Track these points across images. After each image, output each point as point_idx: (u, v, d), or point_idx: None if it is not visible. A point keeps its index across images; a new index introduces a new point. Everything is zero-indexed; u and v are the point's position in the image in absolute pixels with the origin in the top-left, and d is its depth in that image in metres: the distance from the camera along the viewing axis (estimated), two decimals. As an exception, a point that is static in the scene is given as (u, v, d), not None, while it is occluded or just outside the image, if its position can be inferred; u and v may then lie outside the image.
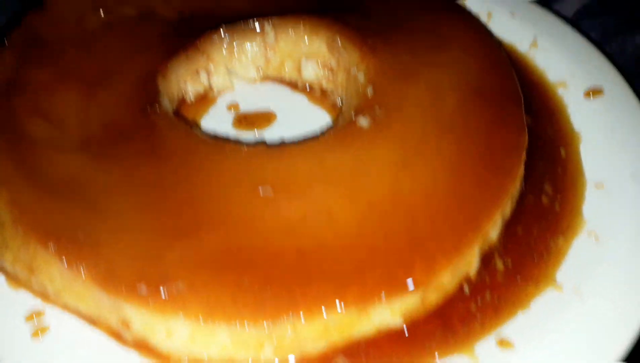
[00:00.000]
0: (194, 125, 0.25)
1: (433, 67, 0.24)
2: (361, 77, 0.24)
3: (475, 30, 0.26)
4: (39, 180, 0.19)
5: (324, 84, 0.27)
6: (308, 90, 0.28)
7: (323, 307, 0.18)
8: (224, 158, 0.21)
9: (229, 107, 0.27)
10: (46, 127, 0.21)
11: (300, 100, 0.28)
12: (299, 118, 0.27)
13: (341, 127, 0.22)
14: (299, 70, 0.27)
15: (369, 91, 0.23)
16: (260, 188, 0.20)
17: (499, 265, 0.21)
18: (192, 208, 0.20)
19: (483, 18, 0.30)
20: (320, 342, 0.18)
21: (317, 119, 0.27)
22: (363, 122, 0.22)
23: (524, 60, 0.29)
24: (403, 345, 0.19)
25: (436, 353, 0.19)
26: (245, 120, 0.27)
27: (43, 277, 0.19)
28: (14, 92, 0.22)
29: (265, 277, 0.18)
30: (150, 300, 0.17)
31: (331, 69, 0.26)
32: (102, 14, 0.26)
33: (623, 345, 0.19)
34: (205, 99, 0.27)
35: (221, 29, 0.26)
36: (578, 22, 0.35)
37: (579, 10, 0.36)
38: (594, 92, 0.26)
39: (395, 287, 0.18)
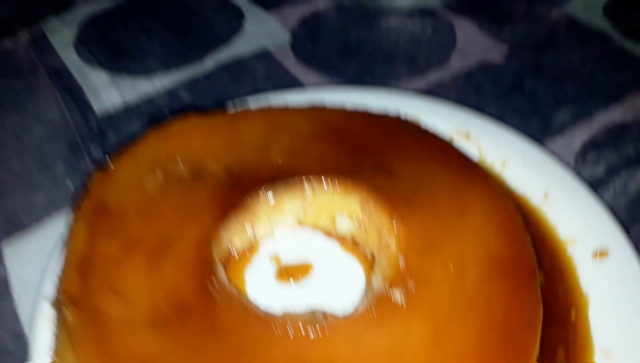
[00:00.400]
0: (244, 294, 0.27)
1: (457, 235, 0.26)
2: (392, 244, 0.26)
3: (494, 195, 0.28)
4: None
5: (356, 237, 0.30)
6: (342, 238, 0.31)
7: None
8: (274, 339, 0.23)
9: (271, 258, 0.30)
10: (118, 303, 0.23)
11: (333, 248, 0.30)
12: (334, 268, 0.30)
13: (378, 301, 0.24)
14: (333, 222, 0.30)
15: (401, 262, 0.25)
16: None
17: None
18: None
19: (498, 165, 0.34)
20: None
21: (350, 268, 0.29)
22: (398, 297, 0.24)
23: (536, 213, 0.31)
24: None
25: None
26: (285, 272, 0.29)
27: None
28: (88, 267, 0.25)
29: None
30: None
31: (363, 225, 0.29)
32: (158, 176, 0.29)
33: None
34: (249, 248, 0.30)
35: (266, 189, 0.29)
36: (585, 154, 0.39)
37: (585, 143, 0.40)
38: (600, 253, 0.29)
39: None
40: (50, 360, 0.25)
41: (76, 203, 0.27)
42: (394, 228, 0.26)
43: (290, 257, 0.30)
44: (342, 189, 0.29)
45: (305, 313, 0.26)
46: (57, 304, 0.24)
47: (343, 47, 0.48)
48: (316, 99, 0.35)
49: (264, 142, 0.32)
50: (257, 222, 0.30)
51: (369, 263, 0.29)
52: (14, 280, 0.31)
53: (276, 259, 0.30)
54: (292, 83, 0.44)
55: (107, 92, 0.43)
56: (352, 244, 0.30)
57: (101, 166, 0.30)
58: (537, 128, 0.40)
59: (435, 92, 0.43)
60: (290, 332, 0.24)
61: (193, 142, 0.31)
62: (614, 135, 0.40)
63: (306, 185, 0.29)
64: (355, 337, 0.24)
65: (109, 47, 0.47)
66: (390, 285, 0.25)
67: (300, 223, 0.31)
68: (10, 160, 0.38)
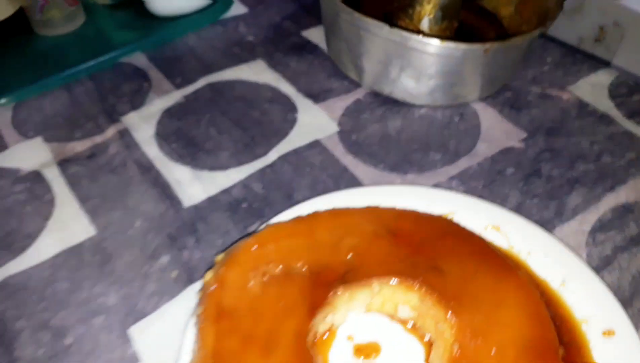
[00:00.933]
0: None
1: (496, 325, 0.34)
2: (446, 332, 0.34)
3: (524, 287, 0.36)
4: None
5: (416, 322, 0.38)
6: (403, 322, 0.39)
7: None
8: None
9: (347, 338, 0.38)
10: (245, 387, 0.31)
11: (397, 330, 0.39)
12: (399, 347, 0.38)
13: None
14: (396, 310, 0.38)
15: (455, 347, 0.33)
16: None
17: None
18: None
19: (524, 254, 0.42)
20: None
21: (412, 348, 0.38)
22: (456, 380, 0.32)
23: (556, 296, 0.39)
24: None
25: None
26: (360, 350, 0.38)
27: None
28: (219, 359, 0.32)
29: None
30: None
31: (421, 314, 0.37)
32: (259, 277, 0.36)
33: None
34: (330, 332, 0.38)
35: (343, 286, 0.37)
36: (595, 235, 0.46)
37: (594, 225, 0.47)
38: (608, 332, 0.36)
39: None
40: None
41: (200, 304, 0.36)
42: (448, 320, 0.34)
43: (362, 337, 0.38)
44: (403, 287, 0.37)
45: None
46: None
47: (382, 136, 0.56)
48: (371, 197, 0.44)
49: (334, 241, 0.40)
50: (336, 312, 0.38)
51: (428, 345, 0.37)
52: (143, 360, 0.39)
53: (351, 339, 0.38)
54: (344, 172, 0.52)
55: (191, 186, 0.51)
56: (412, 327, 0.38)
57: (210, 268, 0.39)
58: (554, 211, 0.48)
59: (466, 178, 0.51)
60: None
61: (280, 246, 0.39)
62: (619, 216, 0.47)
63: (375, 283, 0.37)
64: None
65: (186, 142, 0.56)
66: (449, 368, 0.33)
67: (369, 310, 0.38)
68: (122, 251, 0.46)
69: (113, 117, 0.61)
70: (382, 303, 0.38)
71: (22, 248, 0.48)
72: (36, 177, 0.54)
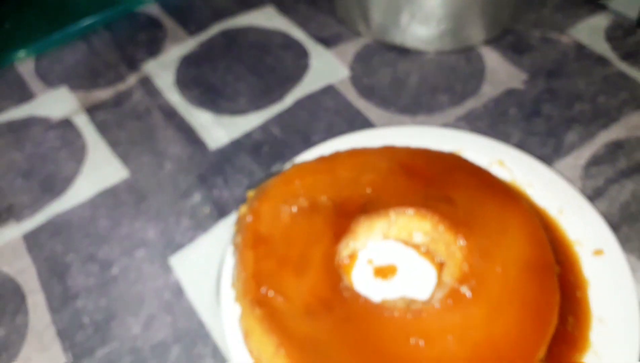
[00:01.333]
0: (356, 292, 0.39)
1: (500, 246, 0.39)
2: (457, 254, 0.39)
3: (524, 213, 0.40)
4: (295, 339, 0.34)
5: (429, 247, 0.42)
6: (417, 246, 0.43)
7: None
8: (385, 319, 0.36)
9: (368, 262, 0.43)
10: (283, 301, 0.36)
11: (411, 254, 0.43)
12: (413, 268, 0.43)
13: (450, 293, 0.37)
14: (410, 236, 0.43)
15: (465, 266, 0.38)
16: (411, 339, 0.35)
17: (546, 371, 0.36)
18: (374, 352, 0.35)
19: (526, 186, 0.46)
20: None
21: (425, 269, 0.42)
22: (466, 292, 0.36)
23: (553, 221, 0.44)
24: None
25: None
26: (379, 272, 0.42)
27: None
28: (259, 279, 0.37)
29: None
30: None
31: (434, 239, 0.41)
32: (289, 209, 0.41)
33: None
34: (352, 257, 0.43)
35: (362, 217, 0.41)
36: (589, 167, 0.50)
37: (589, 160, 0.51)
38: (597, 252, 0.41)
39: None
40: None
41: (237, 234, 0.40)
42: (458, 243, 0.39)
43: (381, 261, 0.43)
44: (417, 216, 0.41)
45: (397, 300, 0.39)
46: (246, 303, 0.36)
47: (392, 80, 0.59)
48: (385, 138, 0.48)
49: (353, 177, 0.44)
50: (357, 239, 0.42)
51: (439, 266, 0.41)
52: (185, 286, 0.44)
53: (371, 263, 0.42)
54: (357, 115, 0.55)
55: (215, 130, 0.55)
56: (425, 251, 0.43)
57: (243, 203, 0.43)
58: (552, 148, 0.52)
59: (471, 118, 0.55)
60: (395, 313, 0.36)
61: (306, 182, 0.43)
62: (611, 151, 0.51)
63: (392, 214, 0.41)
64: (437, 316, 0.37)
65: (206, 88, 0.59)
66: (459, 283, 0.38)
67: (386, 237, 0.43)
68: (155, 191, 0.50)
69: (133, 65, 0.63)
70: (399, 230, 0.43)
71: (62, 190, 0.52)
72: (67, 125, 0.58)
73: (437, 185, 0.43)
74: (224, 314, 0.40)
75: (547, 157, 0.52)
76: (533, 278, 0.38)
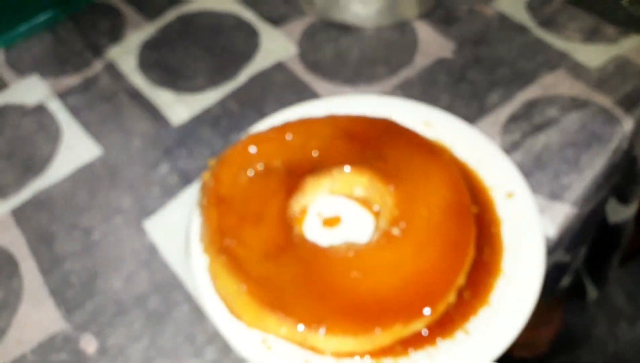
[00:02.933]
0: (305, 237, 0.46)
1: (425, 193, 0.46)
2: (389, 202, 0.46)
3: (446, 166, 0.48)
4: (254, 279, 0.41)
5: (367, 198, 0.49)
6: (358, 199, 0.50)
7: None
8: (332, 259, 0.43)
9: (317, 214, 0.50)
10: (244, 249, 0.43)
11: (353, 206, 0.50)
12: (355, 218, 0.50)
13: (384, 235, 0.44)
14: (352, 190, 0.50)
15: (395, 212, 0.45)
16: (352, 273, 0.42)
17: (466, 295, 0.43)
18: (321, 285, 0.41)
19: (448, 142, 0.53)
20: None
21: (365, 217, 0.49)
22: (395, 232, 0.44)
23: (472, 171, 0.51)
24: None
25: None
26: (326, 222, 0.50)
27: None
28: (222, 232, 0.43)
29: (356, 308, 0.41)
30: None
31: (370, 191, 0.48)
32: (247, 173, 0.47)
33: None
34: (303, 211, 0.49)
35: (311, 175, 0.47)
36: (508, 124, 0.57)
37: (508, 117, 0.58)
38: (509, 194, 0.48)
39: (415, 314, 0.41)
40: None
41: (202, 196, 0.46)
42: (390, 192, 0.46)
43: (327, 213, 0.50)
44: (356, 173, 0.48)
45: (342, 244, 0.46)
46: (212, 252, 0.43)
47: (336, 55, 0.65)
48: (329, 107, 0.54)
49: (302, 142, 0.51)
50: (306, 195, 0.48)
51: (376, 214, 0.49)
52: (158, 245, 0.50)
53: (319, 215, 0.49)
54: (305, 88, 0.62)
55: (177, 108, 0.60)
56: (364, 202, 0.49)
57: (206, 170, 0.49)
58: (476, 108, 0.59)
59: (406, 86, 0.62)
60: (339, 255, 0.43)
61: (260, 149, 0.49)
62: (527, 109, 0.59)
63: (335, 172, 0.48)
64: (373, 254, 0.44)
65: (166, 70, 0.64)
66: (390, 226, 0.45)
67: (332, 192, 0.50)
68: (127, 166, 0.56)
69: (97, 52, 0.68)
70: (341, 186, 0.50)
71: (42, 169, 0.57)
72: (41, 110, 0.63)
73: (373, 146, 0.50)
74: (194, 265, 0.46)
75: (471, 117, 0.59)
76: (453, 218, 0.46)
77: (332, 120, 0.53)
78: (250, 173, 0.48)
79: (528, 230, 0.47)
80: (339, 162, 0.49)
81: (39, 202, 0.55)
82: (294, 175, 0.48)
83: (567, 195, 0.52)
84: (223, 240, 0.44)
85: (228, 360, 0.44)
